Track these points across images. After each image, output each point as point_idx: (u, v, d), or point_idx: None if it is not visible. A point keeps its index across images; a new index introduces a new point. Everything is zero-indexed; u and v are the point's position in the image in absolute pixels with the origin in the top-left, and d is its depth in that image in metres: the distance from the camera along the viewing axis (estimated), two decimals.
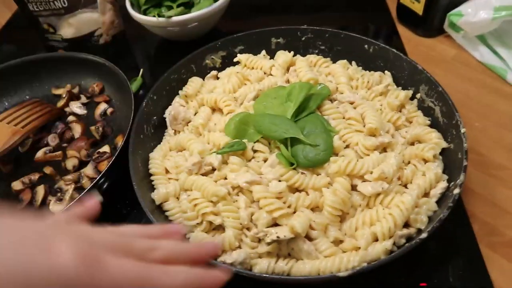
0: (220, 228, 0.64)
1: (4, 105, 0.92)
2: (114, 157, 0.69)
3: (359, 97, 0.75)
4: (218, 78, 0.85)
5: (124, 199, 0.76)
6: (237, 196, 0.64)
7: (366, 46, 0.83)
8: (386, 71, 0.82)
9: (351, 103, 0.75)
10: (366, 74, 0.81)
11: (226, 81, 0.80)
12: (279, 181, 0.63)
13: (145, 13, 0.94)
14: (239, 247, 0.62)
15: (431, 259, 0.66)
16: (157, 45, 1.06)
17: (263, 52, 0.86)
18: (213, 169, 0.67)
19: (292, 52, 0.83)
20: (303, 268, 0.59)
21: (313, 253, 0.60)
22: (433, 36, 1.02)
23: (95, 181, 0.66)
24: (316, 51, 0.87)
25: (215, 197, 0.63)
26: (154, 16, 0.90)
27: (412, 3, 0.99)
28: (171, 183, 0.67)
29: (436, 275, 0.65)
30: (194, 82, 0.81)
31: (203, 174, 0.67)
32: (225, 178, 0.66)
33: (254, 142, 0.68)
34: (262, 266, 0.59)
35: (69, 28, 0.93)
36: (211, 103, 0.76)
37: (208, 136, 0.71)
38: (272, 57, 0.86)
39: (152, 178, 0.69)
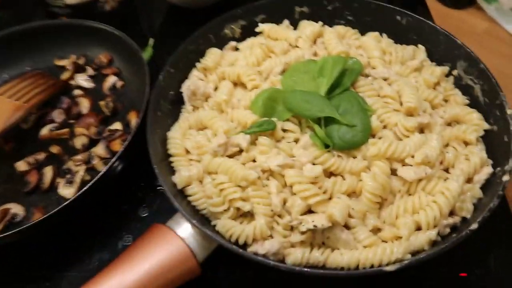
0: (248, 214, 0.59)
1: (4, 78, 0.85)
2: (131, 136, 0.63)
3: (393, 72, 0.70)
4: (237, 50, 0.78)
5: (138, 181, 0.70)
6: (267, 181, 0.59)
7: (398, 17, 0.77)
8: (419, 45, 0.76)
9: (385, 79, 0.69)
10: (398, 48, 0.75)
11: (248, 53, 0.73)
12: (313, 164, 0.59)
13: None
14: (270, 235, 0.57)
15: (472, 248, 0.62)
16: (166, 12, 0.99)
17: (286, 22, 0.80)
18: (240, 151, 0.61)
19: (320, 23, 0.76)
20: (340, 258, 0.55)
21: (351, 243, 0.56)
22: (463, 8, 0.96)
23: (110, 163, 0.61)
24: (343, 22, 0.81)
25: (244, 182, 0.58)
26: None
27: None
28: (194, 165, 0.62)
29: (476, 265, 0.61)
30: (213, 54, 0.74)
31: (229, 156, 0.61)
32: (254, 161, 0.60)
33: (284, 121, 0.63)
34: (296, 256, 0.55)
35: None
36: (234, 77, 0.70)
37: (232, 114, 0.66)
38: (295, 27, 0.80)
39: (171, 159, 0.64)
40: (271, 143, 0.60)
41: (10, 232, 0.57)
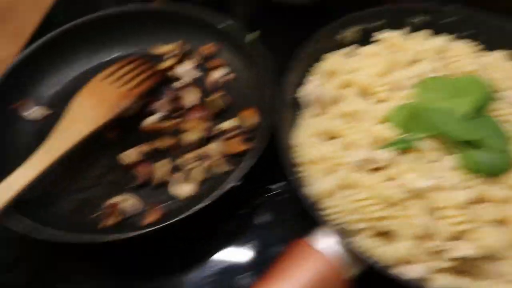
0: (385, 234, 0.57)
1: (96, 61, 0.81)
2: (264, 139, 0.60)
3: None
4: (351, 56, 0.75)
5: (253, 186, 0.67)
6: (410, 201, 0.57)
7: None
8: None
9: None
10: None
11: (371, 62, 0.70)
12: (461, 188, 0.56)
13: None
14: None
15: None
16: (262, 6, 0.94)
17: (404, 30, 0.77)
18: (380, 167, 0.59)
19: (448, 36, 0.73)
20: None
21: (501, 275, 0.54)
22: None
23: (249, 166, 0.58)
24: (463, 35, 0.78)
25: (389, 201, 0.55)
26: None
27: None
28: (329, 178, 0.59)
29: None
30: (334, 59, 0.71)
31: (367, 171, 0.59)
32: (394, 179, 0.58)
33: (423, 139, 0.60)
34: (441, 283, 0.53)
35: None
36: (360, 87, 0.67)
37: (363, 126, 0.63)
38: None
39: (300, 168, 0.61)
40: (416, 162, 0.58)
41: (148, 230, 0.54)
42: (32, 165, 0.61)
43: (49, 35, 0.77)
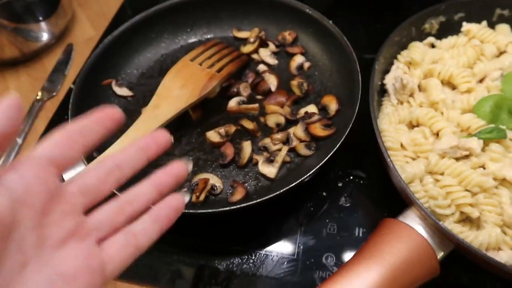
0: (469, 220, 0.60)
1: (179, 42, 0.86)
2: (351, 124, 0.63)
3: None
4: (433, 46, 0.77)
5: (336, 170, 0.71)
6: (496, 189, 0.59)
7: None
8: None
9: None
10: None
11: (456, 52, 0.72)
12: None
13: None
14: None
15: None
16: None
17: (484, 23, 0.78)
18: (468, 155, 0.61)
19: None
20: None
21: None
22: None
23: (332, 153, 0.61)
24: None
25: (477, 188, 0.58)
26: None
27: None
28: (416, 163, 0.62)
29: None
30: (420, 48, 0.74)
31: (455, 159, 0.61)
32: (482, 167, 0.60)
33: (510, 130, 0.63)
34: None
35: None
36: (445, 77, 0.69)
37: (449, 115, 0.65)
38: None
39: (389, 153, 0.64)
40: (504, 152, 0.60)
41: (244, 205, 0.58)
42: (128, 140, 0.66)
43: (134, 19, 0.82)
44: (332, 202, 0.68)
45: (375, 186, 0.69)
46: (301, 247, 0.64)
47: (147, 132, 0.67)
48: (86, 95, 0.74)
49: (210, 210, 0.59)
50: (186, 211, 0.60)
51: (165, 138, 0.41)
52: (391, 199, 0.62)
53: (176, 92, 0.72)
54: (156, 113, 0.70)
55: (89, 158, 0.64)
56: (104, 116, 0.37)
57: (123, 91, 0.79)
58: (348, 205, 0.67)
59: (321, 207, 0.67)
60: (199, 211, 0.60)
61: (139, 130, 0.68)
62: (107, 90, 0.79)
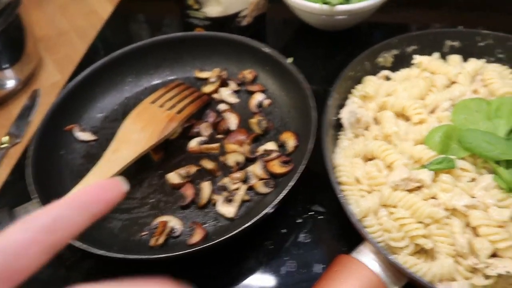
0: (423, 251, 0.61)
1: (143, 85, 0.89)
2: (306, 160, 0.65)
3: None
4: (388, 79, 0.81)
5: (295, 205, 0.73)
6: (448, 219, 0.61)
7: None
8: None
9: None
10: None
11: (408, 84, 0.76)
12: (497, 207, 0.60)
13: None
14: None
15: None
16: (295, 31, 1.02)
17: (436, 54, 0.82)
18: (419, 186, 0.63)
19: (483, 60, 0.78)
20: None
21: None
22: None
23: (289, 187, 0.63)
24: (493, 59, 0.83)
25: (429, 219, 0.60)
26: (315, 2, 0.86)
27: None
28: (370, 197, 0.64)
29: None
30: (373, 82, 0.77)
31: (408, 191, 0.63)
32: (433, 198, 0.63)
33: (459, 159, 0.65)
34: None
35: (216, 6, 0.89)
36: (398, 109, 0.72)
37: (402, 147, 0.68)
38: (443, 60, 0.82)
39: (342, 188, 0.66)
40: (454, 182, 0.62)
41: (196, 248, 0.60)
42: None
43: (98, 63, 0.85)
44: (291, 239, 0.69)
45: (335, 220, 0.71)
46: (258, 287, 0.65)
47: (106, 178, 0.69)
48: (47, 141, 0.76)
49: (165, 255, 0.60)
50: (144, 256, 0.61)
51: (118, 189, 0.33)
52: (350, 233, 0.64)
53: (136, 135, 0.75)
54: (116, 157, 0.72)
55: (46, 204, 0.66)
56: (95, 196, 0.31)
57: (86, 136, 0.81)
58: (307, 241, 0.69)
59: (281, 245, 0.69)
60: (154, 256, 0.61)
61: (97, 176, 0.69)
62: (70, 135, 0.81)
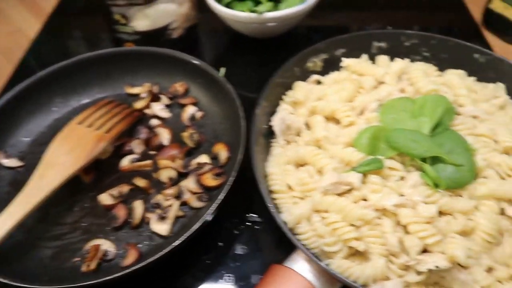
0: (357, 254, 0.61)
1: (72, 105, 0.85)
2: (235, 172, 0.64)
3: (482, 111, 0.73)
4: (319, 83, 0.81)
5: (231, 217, 0.71)
6: (379, 220, 0.61)
7: (476, 55, 0.82)
8: (499, 83, 0.80)
9: (474, 117, 0.73)
10: (479, 86, 0.79)
11: (337, 88, 0.76)
12: (425, 203, 0.61)
13: (227, 6, 0.89)
14: None
15: None
16: (228, 40, 1.01)
17: (365, 56, 0.83)
18: (350, 189, 0.63)
19: (407, 60, 0.80)
20: None
21: (470, 283, 0.58)
22: None
23: (219, 201, 0.62)
24: (419, 58, 0.85)
25: (360, 221, 0.60)
26: (243, 11, 0.85)
27: (506, 9, 0.98)
28: (302, 203, 0.64)
29: None
30: (302, 88, 0.77)
31: (338, 194, 0.63)
32: (363, 199, 0.63)
33: (387, 159, 0.65)
34: None
35: (144, 20, 0.87)
36: (327, 113, 0.73)
37: (332, 151, 0.68)
38: (372, 62, 0.83)
39: (274, 196, 0.65)
40: (382, 182, 0.63)
41: (129, 270, 0.57)
42: (9, 216, 0.63)
43: (22, 84, 0.81)
44: (228, 251, 0.68)
45: (271, 229, 0.70)
46: None
47: (31, 207, 0.66)
48: None
49: (94, 281, 0.57)
50: (74, 285, 0.58)
51: None
52: (286, 241, 0.63)
53: (63, 158, 0.71)
54: (41, 183, 0.69)
55: None
56: None
57: (11, 162, 0.77)
58: (244, 252, 0.67)
59: (218, 259, 0.67)
60: (84, 283, 0.58)
61: (21, 204, 0.66)
62: None
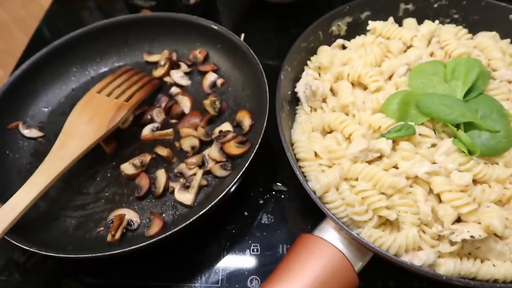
0: (388, 223, 0.59)
1: (90, 74, 0.83)
2: (260, 140, 0.62)
3: None
4: (344, 48, 0.77)
5: (255, 186, 0.69)
6: (410, 188, 0.59)
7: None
8: None
9: (509, 82, 0.69)
10: None
11: (363, 52, 0.72)
12: (459, 171, 0.58)
13: None
14: None
15: None
16: (246, 6, 0.97)
17: (391, 19, 0.79)
18: (380, 156, 0.61)
19: (436, 22, 0.76)
20: (495, 270, 0.55)
21: (506, 254, 0.56)
22: None
23: (243, 169, 0.60)
24: (448, 20, 0.81)
25: (391, 189, 0.57)
26: None
27: None
28: (330, 171, 0.61)
29: None
30: (326, 52, 0.73)
31: (368, 162, 0.61)
32: (394, 167, 0.60)
33: (418, 125, 0.62)
34: (449, 267, 0.55)
35: None
36: (353, 78, 0.69)
37: (360, 117, 0.65)
38: (399, 25, 0.79)
39: (301, 164, 0.63)
40: (413, 149, 0.60)
41: (154, 240, 0.56)
42: (32, 186, 0.63)
43: (38, 54, 0.79)
44: (254, 221, 0.66)
45: (297, 198, 0.68)
46: (225, 274, 0.62)
47: (54, 176, 0.64)
48: None
49: (120, 251, 0.56)
50: (99, 254, 0.57)
51: None
52: (313, 210, 0.61)
53: (83, 127, 0.70)
54: (63, 152, 0.67)
55: None
56: None
57: (32, 133, 0.76)
58: (270, 222, 0.66)
59: (244, 228, 0.66)
60: (110, 252, 0.57)
61: (44, 174, 0.65)
62: (15, 133, 0.76)
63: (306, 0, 0.93)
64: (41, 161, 0.68)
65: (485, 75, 0.66)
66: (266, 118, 0.65)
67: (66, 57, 0.82)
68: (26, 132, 0.76)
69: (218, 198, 0.58)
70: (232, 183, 0.59)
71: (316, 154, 0.64)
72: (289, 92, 0.70)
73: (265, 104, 0.66)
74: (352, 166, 0.60)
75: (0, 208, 0.60)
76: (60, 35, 0.82)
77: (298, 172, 0.58)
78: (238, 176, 0.59)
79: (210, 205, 0.58)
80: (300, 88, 0.70)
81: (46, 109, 0.80)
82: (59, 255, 0.57)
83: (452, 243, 0.56)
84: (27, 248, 0.57)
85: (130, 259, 0.64)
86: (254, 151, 0.61)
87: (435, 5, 0.80)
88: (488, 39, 0.74)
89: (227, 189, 0.59)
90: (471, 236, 0.54)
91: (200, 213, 0.58)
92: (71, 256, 0.57)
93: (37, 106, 0.80)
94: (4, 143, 0.74)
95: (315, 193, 0.59)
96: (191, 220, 0.57)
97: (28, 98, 0.79)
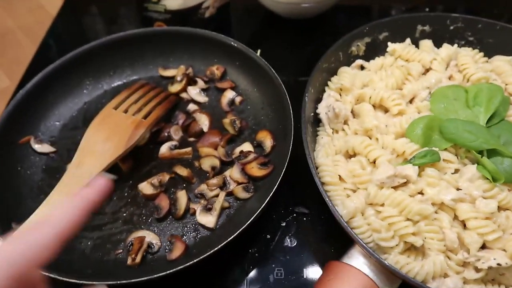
0: (414, 248, 0.59)
1: (103, 87, 0.82)
2: (286, 162, 0.62)
3: None
4: (362, 68, 0.78)
5: (277, 208, 0.69)
6: (436, 214, 0.59)
7: None
8: None
9: None
10: None
11: (384, 74, 0.73)
12: (483, 198, 0.59)
13: None
14: None
15: None
16: (261, 21, 0.97)
17: (408, 40, 0.80)
18: (405, 182, 0.61)
19: (455, 45, 0.76)
20: None
21: None
22: None
23: (271, 194, 0.59)
24: (463, 42, 0.82)
25: (418, 216, 0.58)
26: None
27: None
28: (356, 196, 0.61)
29: None
30: (348, 73, 0.73)
31: (393, 187, 0.61)
32: (420, 193, 0.60)
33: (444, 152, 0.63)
34: None
35: None
36: (375, 100, 0.69)
37: (384, 141, 0.65)
38: (416, 46, 0.80)
39: (326, 188, 0.63)
40: (439, 175, 0.60)
41: (182, 266, 0.55)
42: (49, 207, 0.60)
43: (50, 67, 0.77)
44: (277, 244, 0.66)
45: (320, 221, 0.68)
46: None
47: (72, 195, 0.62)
48: (1, 157, 0.69)
49: (146, 278, 0.55)
50: (124, 281, 0.56)
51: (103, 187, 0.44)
52: (336, 234, 0.61)
53: (100, 146, 0.68)
54: (80, 172, 0.66)
55: (6, 229, 0.59)
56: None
57: (44, 148, 0.74)
58: (293, 245, 0.66)
59: (266, 251, 0.65)
60: (137, 279, 0.55)
61: (62, 194, 0.63)
62: (26, 148, 0.74)
63: (317, 17, 0.93)
64: (53, 177, 0.66)
65: (507, 101, 0.67)
66: (291, 140, 0.64)
67: (78, 70, 0.80)
68: (38, 147, 0.74)
69: (247, 224, 0.57)
70: (260, 209, 0.58)
71: (340, 178, 0.64)
72: (312, 114, 0.70)
73: (290, 125, 0.66)
74: (378, 192, 0.60)
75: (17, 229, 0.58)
76: (68, 43, 0.80)
77: (327, 199, 0.58)
78: (266, 202, 0.59)
79: (238, 232, 0.57)
80: (322, 109, 0.70)
81: (58, 123, 0.78)
82: (81, 282, 0.55)
83: (477, 270, 0.57)
84: (47, 274, 0.56)
85: (150, 282, 0.62)
86: (281, 175, 0.61)
87: (451, 27, 0.81)
88: (504, 63, 0.75)
89: (254, 215, 0.58)
90: (498, 264, 0.55)
91: (228, 239, 0.57)
92: (95, 283, 0.55)
93: (49, 120, 0.78)
94: (16, 159, 0.72)
95: (342, 217, 0.59)
96: (219, 246, 0.56)
97: (39, 112, 0.77)
